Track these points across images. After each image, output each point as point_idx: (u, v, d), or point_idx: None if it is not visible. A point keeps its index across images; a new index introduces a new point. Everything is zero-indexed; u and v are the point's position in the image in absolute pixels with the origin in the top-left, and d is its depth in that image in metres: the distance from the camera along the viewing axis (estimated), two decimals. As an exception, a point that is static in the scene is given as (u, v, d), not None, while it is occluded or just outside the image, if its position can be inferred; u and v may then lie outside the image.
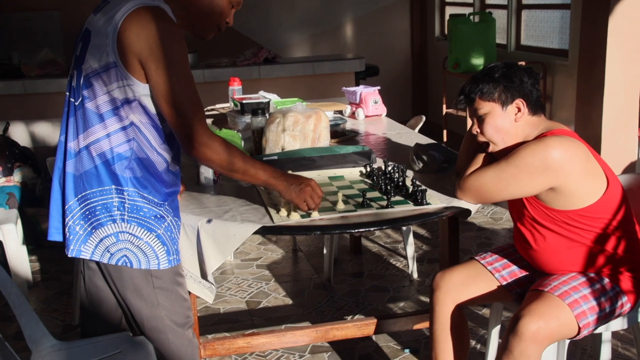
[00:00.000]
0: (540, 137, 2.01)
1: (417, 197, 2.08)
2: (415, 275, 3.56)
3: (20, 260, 3.44)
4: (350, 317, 3.19)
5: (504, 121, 2.04)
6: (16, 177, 4.30)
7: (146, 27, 1.69)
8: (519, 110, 2.04)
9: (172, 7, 1.80)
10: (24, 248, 3.50)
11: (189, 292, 2.02)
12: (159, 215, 1.83)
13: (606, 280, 2.02)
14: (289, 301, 3.38)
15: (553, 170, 1.92)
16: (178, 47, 1.73)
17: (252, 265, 3.81)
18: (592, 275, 2.03)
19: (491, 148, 2.08)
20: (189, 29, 1.89)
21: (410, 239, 3.50)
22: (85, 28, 1.81)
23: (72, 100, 1.82)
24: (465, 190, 2.06)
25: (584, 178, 1.96)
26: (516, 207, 2.13)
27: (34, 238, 4.01)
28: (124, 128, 1.77)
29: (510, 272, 2.21)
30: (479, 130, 2.09)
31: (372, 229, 2.04)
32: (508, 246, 2.31)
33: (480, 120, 2.08)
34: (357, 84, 5.39)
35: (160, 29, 1.70)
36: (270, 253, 3.97)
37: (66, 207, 1.82)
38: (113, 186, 1.78)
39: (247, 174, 1.87)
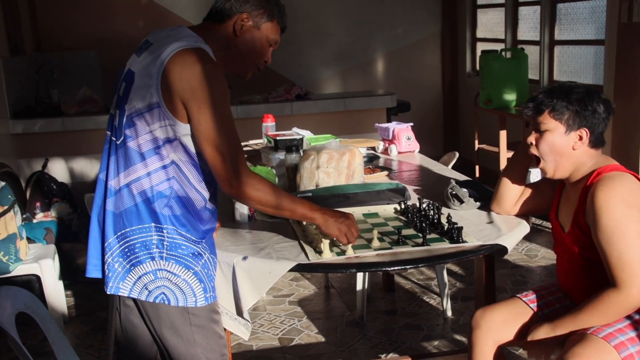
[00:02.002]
0: (595, 176, 1.97)
1: (453, 235, 2.06)
2: (449, 313, 3.51)
3: (57, 296, 3.48)
4: (384, 355, 3.15)
5: (562, 144, 2.02)
6: (53, 213, 4.38)
7: (189, 69, 1.73)
8: (580, 139, 2.01)
9: (212, 47, 1.85)
10: (61, 283, 3.54)
11: (224, 329, 2.02)
12: (196, 253, 1.85)
13: None
14: (321, 338, 3.35)
15: (633, 199, 1.91)
16: (219, 88, 1.76)
17: (284, 301, 3.80)
18: (637, 317, 1.98)
19: (541, 165, 2.07)
20: (230, 69, 1.94)
21: (444, 276, 3.46)
22: (128, 69, 1.86)
23: (113, 139, 1.86)
24: (634, 283, 1.86)
25: None
26: (564, 245, 2.10)
27: (70, 273, 4.06)
28: (164, 167, 1.80)
29: (553, 310, 2.16)
30: (533, 142, 2.07)
31: (408, 267, 2.02)
32: (550, 285, 2.26)
33: (540, 134, 2.05)
34: (389, 120, 5.41)
35: (203, 70, 1.74)
36: (302, 289, 3.96)
37: (105, 244, 1.85)
38: (152, 224, 1.80)
39: (286, 209, 1.89)
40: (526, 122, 2.16)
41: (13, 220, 3.23)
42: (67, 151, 5.05)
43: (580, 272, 2.07)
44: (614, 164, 2.02)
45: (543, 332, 2.02)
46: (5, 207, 3.18)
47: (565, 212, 2.11)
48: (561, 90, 2.03)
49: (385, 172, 2.97)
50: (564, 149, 2.03)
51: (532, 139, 2.08)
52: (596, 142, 2.03)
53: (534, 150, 2.08)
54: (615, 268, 1.89)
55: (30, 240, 3.72)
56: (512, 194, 2.26)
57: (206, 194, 1.88)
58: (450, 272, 4.06)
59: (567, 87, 2.05)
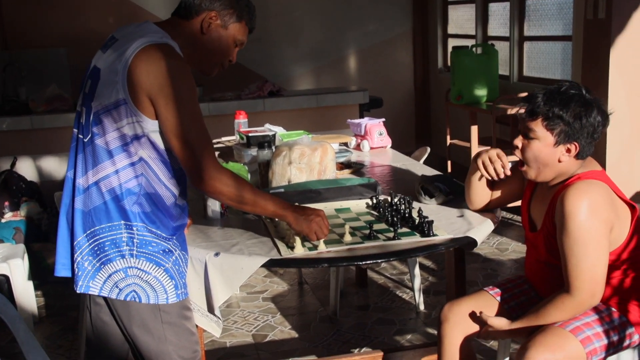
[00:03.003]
0: (573, 181, 1.96)
1: (423, 229, 2.08)
2: (421, 307, 3.53)
3: (27, 296, 3.43)
4: (357, 350, 3.17)
5: (548, 155, 1.97)
6: (22, 212, 4.32)
7: (155, 64, 1.72)
8: (568, 151, 1.97)
9: (179, 43, 1.84)
10: (30, 283, 3.49)
11: (197, 326, 2.01)
12: (167, 250, 1.84)
13: (613, 309, 2.01)
14: (295, 334, 3.36)
15: (601, 210, 1.90)
16: (186, 83, 1.76)
17: (257, 298, 3.79)
18: (605, 313, 2.01)
19: (524, 168, 2.04)
20: (195, 66, 1.93)
21: (417, 270, 3.49)
22: (94, 65, 1.84)
23: (80, 136, 1.84)
24: (585, 291, 1.88)
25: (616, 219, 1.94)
26: (534, 241, 2.12)
27: (40, 273, 4.00)
28: (132, 164, 1.79)
29: (519, 303, 2.19)
30: (519, 146, 2.02)
31: (379, 260, 2.05)
32: (517, 277, 2.29)
33: (527, 138, 2.00)
34: (361, 116, 5.42)
35: (169, 66, 1.73)
36: (276, 286, 3.96)
37: (75, 243, 1.83)
38: (122, 221, 1.79)
39: (257, 206, 1.89)
40: (516, 121, 2.14)
41: (-20, 220, 3.18)
42: (36, 149, 4.97)
43: (547, 270, 2.10)
44: (594, 171, 2.00)
45: (500, 324, 2.05)
46: (-27, 207, 3.12)
47: (538, 210, 2.12)
48: (560, 97, 1.95)
49: (354, 169, 2.98)
50: (549, 159, 1.98)
51: (518, 142, 2.03)
52: (583, 155, 1.99)
53: (518, 154, 2.04)
54: (571, 274, 1.91)
55: (-2, 240, 3.67)
56: (482, 198, 2.26)
57: (176, 191, 1.87)
58: (422, 267, 4.09)
59: (567, 95, 1.95)
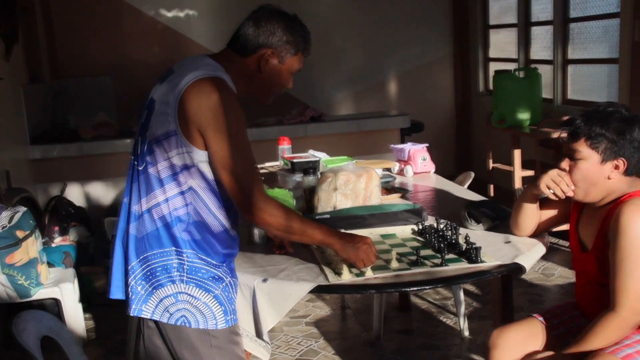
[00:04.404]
0: (625, 199, 1.94)
1: (471, 255, 2.08)
2: (466, 333, 3.49)
3: (77, 319, 3.50)
4: (402, 376, 3.14)
5: (597, 173, 1.98)
6: (71, 236, 4.43)
7: (205, 97, 1.76)
8: (617, 168, 1.97)
9: (232, 76, 1.88)
10: (80, 306, 3.56)
11: (245, 350, 2.03)
12: (216, 277, 1.87)
13: None
14: (338, 359, 3.35)
15: None
16: (235, 116, 1.79)
17: (301, 322, 3.80)
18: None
19: (573, 191, 2.04)
20: (250, 96, 1.97)
21: (461, 296, 3.45)
22: (151, 97, 1.90)
23: (135, 164, 1.90)
24: (628, 307, 1.87)
25: None
26: (583, 263, 2.10)
27: (87, 296, 4.08)
28: (182, 193, 1.83)
29: (568, 329, 2.16)
30: (567, 169, 2.03)
31: (427, 287, 2.04)
32: (566, 304, 2.27)
33: (573, 160, 2.01)
34: (403, 140, 5.43)
35: (219, 99, 1.77)
36: (318, 310, 3.96)
37: (129, 267, 1.88)
38: (173, 248, 1.83)
39: (304, 235, 1.91)
40: (559, 144, 2.13)
41: (34, 245, 3.27)
42: (83, 175, 5.11)
43: (598, 290, 2.07)
44: None
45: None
46: (27, 232, 3.22)
47: (587, 231, 2.10)
48: (599, 116, 1.97)
49: (399, 194, 2.98)
50: (598, 178, 1.98)
51: (565, 165, 2.04)
52: (632, 171, 1.98)
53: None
54: (617, 290, 1.88)
55: (49, 264, 3.76)
56: (531, 223, 2.25)
57: (225, 220, 1.90)
58: (466, 292, 4.04)
59: (605, 112, 1.98)
